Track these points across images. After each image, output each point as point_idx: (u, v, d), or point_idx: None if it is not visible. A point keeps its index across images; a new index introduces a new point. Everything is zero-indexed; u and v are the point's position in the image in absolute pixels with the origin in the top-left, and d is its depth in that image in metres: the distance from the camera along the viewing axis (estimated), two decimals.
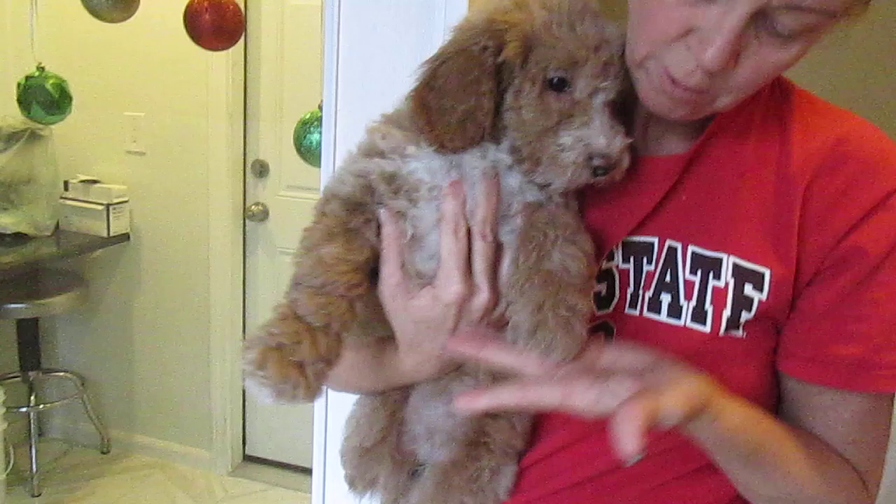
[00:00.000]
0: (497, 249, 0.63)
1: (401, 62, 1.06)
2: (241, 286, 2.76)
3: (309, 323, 0.57)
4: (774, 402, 0.67)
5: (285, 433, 2.83)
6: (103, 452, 2.92)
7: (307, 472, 1.35)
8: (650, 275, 0.65)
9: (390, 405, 0.73)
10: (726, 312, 0.62)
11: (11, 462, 2.48)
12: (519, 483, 0.70)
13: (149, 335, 2.84)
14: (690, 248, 0.63)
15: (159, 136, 2.65)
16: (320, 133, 1.36)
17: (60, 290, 2.61)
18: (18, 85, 2.25)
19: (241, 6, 2.17)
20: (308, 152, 1.97)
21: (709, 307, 0.62)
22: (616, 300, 0.66)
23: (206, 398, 2.80)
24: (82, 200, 2.62)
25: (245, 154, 2.67)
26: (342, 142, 1.12)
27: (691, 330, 0.63)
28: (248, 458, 2.92)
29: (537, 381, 0.56)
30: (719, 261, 0.62)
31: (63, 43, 2.58)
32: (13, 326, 2.71)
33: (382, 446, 0.72)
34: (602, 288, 0.66)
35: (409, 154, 0.62)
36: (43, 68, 2.26)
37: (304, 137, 1.96)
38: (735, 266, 0.62)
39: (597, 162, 0.57)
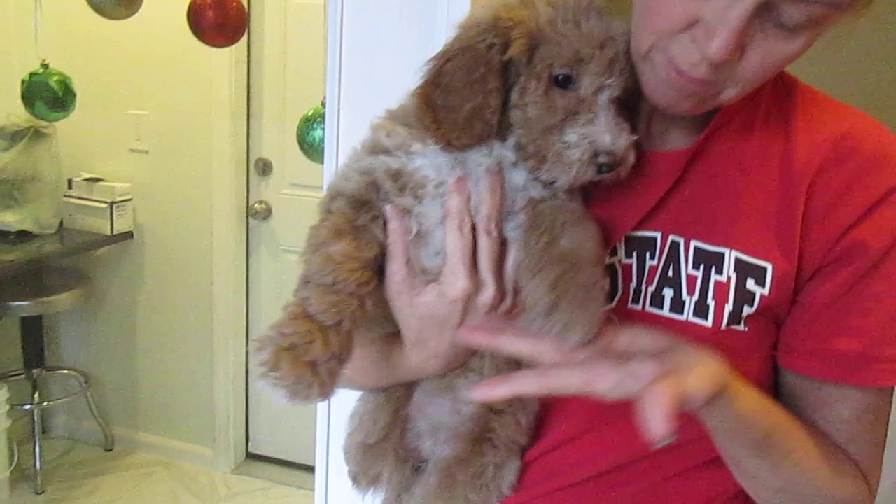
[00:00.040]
0: (502, 245, 0.63)
1: (403, 58, 1.06)
2: (245, 284, 2.76)
3: (320, 321, 0.56)
4: (774, 397, 0.67)
5: (288, 430, 2.83)
6: (107, 450, 2.92)
7: (310, 469, 1.35)
8: (653, 269, 0.65)
9: (394, 401, 0.73)
10: (728, 307, 0.62)
11: (15, 459, 2.49)
12: (521, 479, 0.70)
13: (152, 333, 2.84)
14: (693, 243, 0.63)
15: (163, 134, 2.65)
16: (323, 129, 1.37)
17: (64, 287, 2.62)
18: (22, 82, 2.25)
19: (244, 3, 2.17)
20: (311, 148, 1.96)
21: (711, 302, 0.62)
22: (619, 295, 0.66)
23: (210, 396, 2.80)
24: (86, 198, 2.62)
25: (248, 152, 2.67)
26: (345, 139, 1.12)
27: (693, 324, 0.63)
28: (251, 456, 2.93)
29: (556, 366, 0.55)
30: (722, 255, 0.62)
31: (66, 40, 2.58)
32: (17, 324, 2.71)
33: (386, 443, 0.72)
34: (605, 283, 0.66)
35: (414, 151, 0.62)
36: (47, 65, 2.26)
37: (307, 133, 1.96)
38: (737, 261, 0.62)
39: (602, 159, 0.57)
